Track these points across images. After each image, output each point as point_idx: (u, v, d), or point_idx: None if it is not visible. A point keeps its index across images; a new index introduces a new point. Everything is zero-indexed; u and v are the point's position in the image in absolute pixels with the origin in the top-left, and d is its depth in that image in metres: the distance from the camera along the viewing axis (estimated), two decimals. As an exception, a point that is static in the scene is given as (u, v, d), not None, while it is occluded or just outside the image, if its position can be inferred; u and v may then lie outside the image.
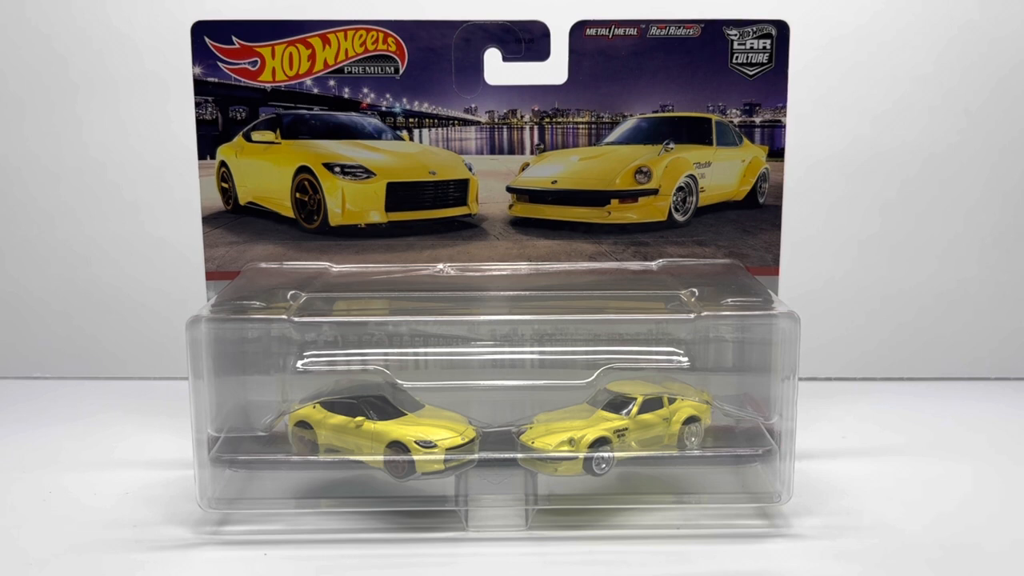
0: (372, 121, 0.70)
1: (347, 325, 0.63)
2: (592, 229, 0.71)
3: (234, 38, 0.68)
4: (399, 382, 0.62)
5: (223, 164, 0.70)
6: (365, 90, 0.69)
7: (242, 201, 0.70)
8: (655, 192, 0.70)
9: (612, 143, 0.70)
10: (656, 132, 0.70)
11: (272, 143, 0.70)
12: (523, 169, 0.71)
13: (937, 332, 0.90)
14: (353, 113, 0.70)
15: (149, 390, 0.88)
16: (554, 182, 0.71)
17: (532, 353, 0.63)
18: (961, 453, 0.73)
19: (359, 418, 0.61)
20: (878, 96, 0.87)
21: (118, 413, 0.82)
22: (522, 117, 0.70)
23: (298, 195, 0.70)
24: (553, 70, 0.69)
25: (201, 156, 0.70)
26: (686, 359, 0.63)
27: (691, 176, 0.71)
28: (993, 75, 0.86)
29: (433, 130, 0.70)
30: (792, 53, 0.68)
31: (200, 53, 0.68)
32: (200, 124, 0.69)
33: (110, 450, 0.74)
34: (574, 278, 0.68)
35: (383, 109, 0.70)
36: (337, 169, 0.70)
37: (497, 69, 0.68)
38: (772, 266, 0.70)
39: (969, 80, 0.86)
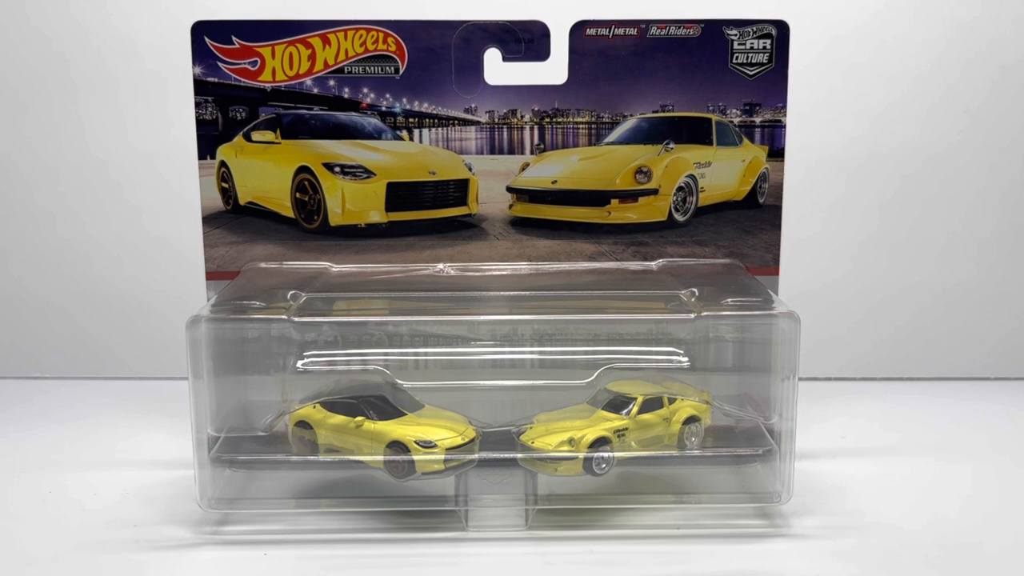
0: (372, 121, 0.70)
1: (347, 325, 0.63)
2: (592, 229, 0.71)
3: (234, 38, 0.68)
4: (399, 382, 0.62)
5: (223, 164, 0.70)
6: (365, 90, 0.69)
7: (242, 201, 0.70)
8: (655, 192, 0.70)
9: (612, 143, 0.70)
10: (656, 132, 0.70)
11: (272, 143, 0.70)
12: (523, 169, 0.71)
13: (937, 332, 0.90)
14: (353, 113, 0.70)
15: (149, 390, 0.88)
16: (554, 182, 0.71)
17: (532, 353, 0.63)
18: (961, 453, 0.73)
19: (359, 418, 0.61)
20: (878, 96, 0.87)
21: (118, 413, 0.82)
22: (522, 117, 0.70)
23: (298, 195, 0.70)
24: (553, 70, 0.69)
25: (201, 156, 0.70)
26: (686, 359, 0.63)
27: (691, 176, 0.71)
28: (992, 75, 0.86)
29: (433, 130, 0.70)
30: (792, 53, 0.68)
31: (200, 53, 0.68)
32: (200, 124, 0.69)
33: (110, 450, 0.74)
34: (574, 278, 0.68)
35: (383, 109, 0.69)
36: (337, 169, 0.70)
37: (497, 69, 0.68)
38: (772, 266, 0.70)
39: (969, 79, 0.86)
